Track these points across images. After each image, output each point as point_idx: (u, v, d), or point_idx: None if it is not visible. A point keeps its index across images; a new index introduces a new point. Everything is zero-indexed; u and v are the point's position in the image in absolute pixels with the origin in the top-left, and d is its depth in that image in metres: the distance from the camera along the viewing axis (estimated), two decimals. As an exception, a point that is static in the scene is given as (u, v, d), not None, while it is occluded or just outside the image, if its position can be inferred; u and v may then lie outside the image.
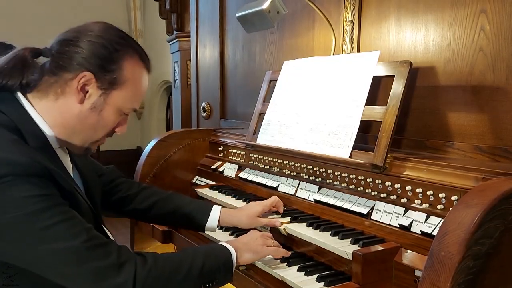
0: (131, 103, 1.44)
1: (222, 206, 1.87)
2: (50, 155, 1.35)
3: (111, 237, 1.52)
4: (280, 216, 1.87)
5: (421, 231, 1.45)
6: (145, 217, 1.93)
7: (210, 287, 1.41)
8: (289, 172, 2.13)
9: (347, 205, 1.74)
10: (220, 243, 1.53)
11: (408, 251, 1.47)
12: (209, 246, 1.54)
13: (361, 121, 1.79)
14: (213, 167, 2.66)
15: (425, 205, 1.50)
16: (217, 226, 1.83)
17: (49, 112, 1.37)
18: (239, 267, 1.62)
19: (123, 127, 1.49)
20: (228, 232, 1.99)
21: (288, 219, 1.83)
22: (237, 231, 1.97)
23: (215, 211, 1.82)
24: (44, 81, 1.37)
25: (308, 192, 1.97)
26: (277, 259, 1.62)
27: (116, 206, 1.89)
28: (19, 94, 1.37)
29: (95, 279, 1.21)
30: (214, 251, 1.46)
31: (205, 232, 1.86)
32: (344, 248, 1.51)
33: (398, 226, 1.53)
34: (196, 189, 2.45)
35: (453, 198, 1.42)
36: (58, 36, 1.40)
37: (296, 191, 2.04)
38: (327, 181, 1.91)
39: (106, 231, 1.56)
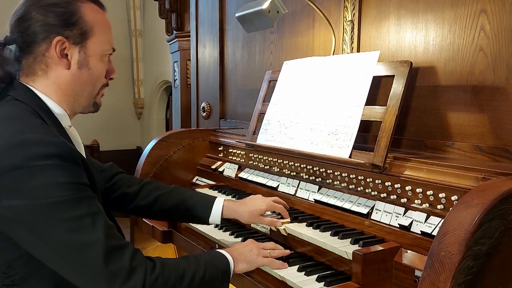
0: (108, 44, 1.47)
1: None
2: (67, 139, 1.36)
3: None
4: (280, 216, 1.87)
5: (421, 231, 1.45)
6: (148, 213, 1.90)
7: None
8: (289, 172, 2.13)
9: (347, 205, 1.74)
10: (219, 250, 1.55)
11: (408, 251, 1.47)
12: (210, 254, 1.55)
13: (361, 121, 1.79)
14: (213, 167, 2.66)
15: (425, 205, 1.50)
16: (221, 218, 1.82)
17: (48, 89, 1.39)
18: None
19: (114, 71, 1.53)
20: (228, 232, 1.99)
21: (288, 219, 1.83)
22: (237, 231, 1.97)
23: (218, 204, 1.81)
24: (24, 64, 1.38)
25: (308, 192, 1.97)
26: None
27: (118, 203, 1.85)
28: (19, 82, 1.38)
29: (107, 280, 1.21)
30: (214, 260, 1.48)
31: (209, 224, 1.85)
32: (344, 248, 1.51)
33: (398, 226, 1.53)
34: (196, 189, 2.44)
35: (453, 198, 1.42)
36: (9, 20, 1.39)
37: (296, 191, 2.04)
38: (327, 181, 1.91)
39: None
